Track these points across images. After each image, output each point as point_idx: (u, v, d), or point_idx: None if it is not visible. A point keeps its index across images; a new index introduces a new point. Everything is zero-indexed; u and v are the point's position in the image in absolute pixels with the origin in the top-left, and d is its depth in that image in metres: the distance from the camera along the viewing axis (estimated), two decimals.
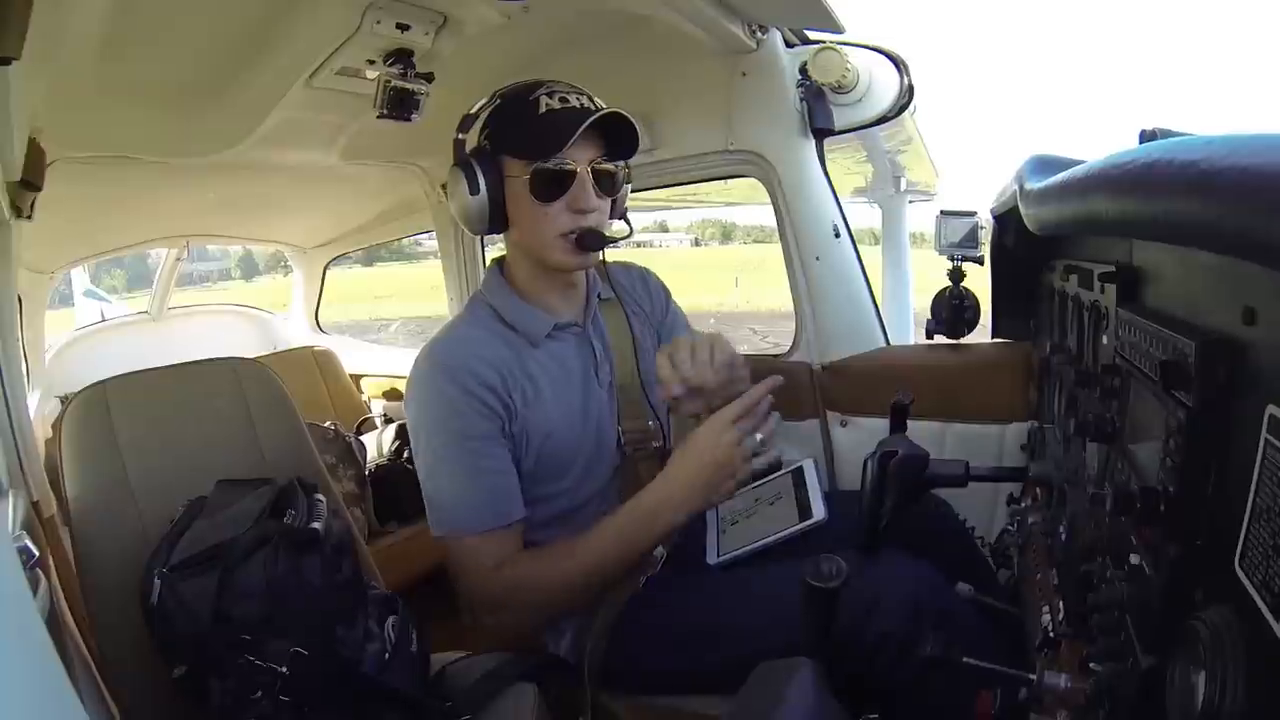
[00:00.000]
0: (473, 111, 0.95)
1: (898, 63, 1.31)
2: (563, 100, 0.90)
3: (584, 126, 0.86)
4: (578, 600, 0.95)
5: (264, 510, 0.96)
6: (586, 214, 0.92)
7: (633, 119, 0.90)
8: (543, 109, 0.89)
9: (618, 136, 0.92)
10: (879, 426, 1.28)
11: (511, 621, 0.97)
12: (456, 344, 0.97)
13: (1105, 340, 0.59)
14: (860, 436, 1.40)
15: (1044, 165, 0.59)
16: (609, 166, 0.93)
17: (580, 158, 0.90)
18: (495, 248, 2.51)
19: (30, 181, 1.14)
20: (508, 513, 0.94)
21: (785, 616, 0.73)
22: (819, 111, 1.33)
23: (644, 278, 1.16)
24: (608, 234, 0.95)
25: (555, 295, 1.01)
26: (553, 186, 0.90)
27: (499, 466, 0.94)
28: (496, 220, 0.94)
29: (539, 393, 0.95)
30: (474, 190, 0.91)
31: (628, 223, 1.02)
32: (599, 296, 1.06)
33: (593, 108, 0.91)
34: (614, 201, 0.97)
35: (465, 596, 0.98)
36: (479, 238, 2.21)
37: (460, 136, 0.95)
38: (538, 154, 0.89)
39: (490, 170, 0.91)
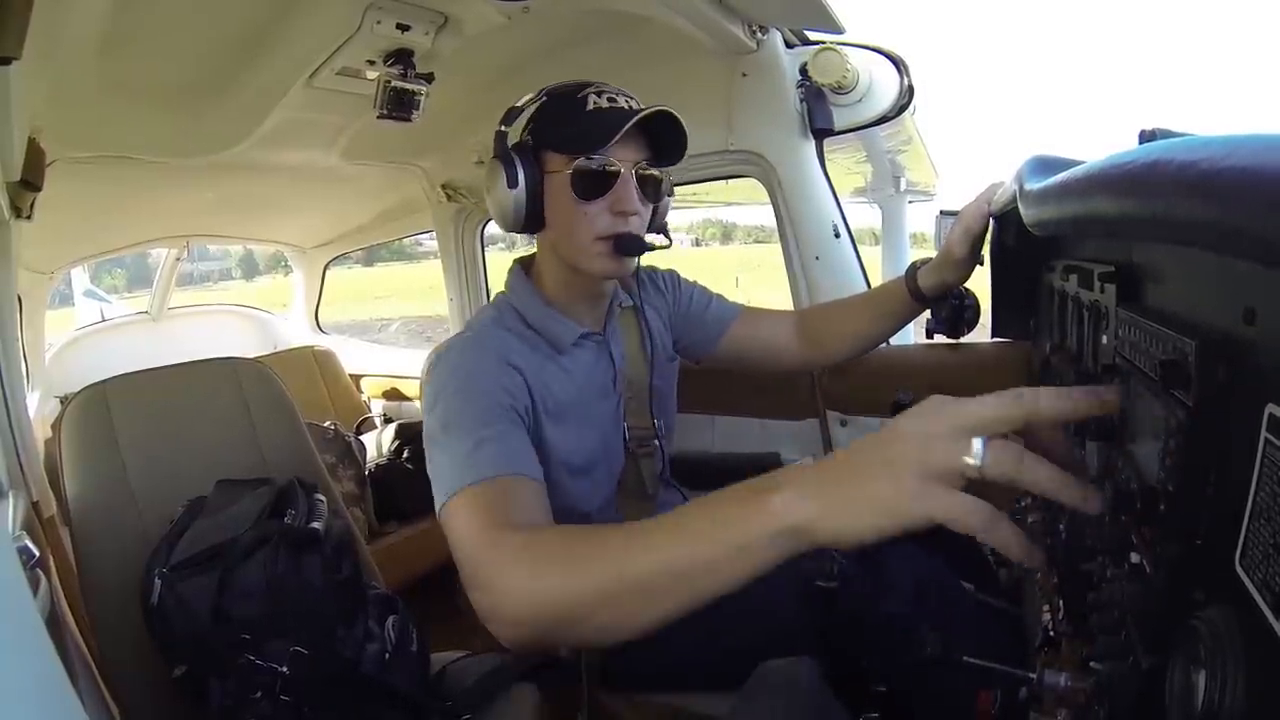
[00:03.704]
0: (518, 105, 0.92)
1: (898, 63, 1.31)
2: (610, 100, 0.88)
3: (631, 123, 0.84)
4: (599, 616, 0.58)
5: (264, 510, 0.96)
6: (628, 217, 0.89)
7: (681, 120, 0.88)
8: (590, 107, 0.87)
9: (663, 142, 0.90)
10: (879, 426, 1.28)
11: (501, 617, 0.63)
12: (482, 337, 0.93)
13: (1105, 340, 0.59)
14: (860, 436, 1.39)
15: (1044, 165, 0.59)
16: (653, 172, 0.92)
17: (625, 158, 0.88)
18: (496, 249, 2.52)
19: (30, 181, 1.14)
20: (519, 462, 0.77)
21: (785, 613, 0.73)
22: (819, 112, 1.34)
23: (650, 277, 1.15)
24: (646, 240, 0.92)
25: (584, 304, 0.98)
26: (595, 184, 0.88)
27: (514, 430, 0.82)
28: (533, 218, 0.91)
29: (557, 399, 0.94)
30: (512, 184, 0.89)
31: (667, 235, 0.99)
32: (620, 305, 1.05)
33: (640, 109, 0.89)
34: (655, 210, 0.95)
35: (461, 572, 0.68)
36: (479, 238, 2.21)
37: (503, 129, 0.92)
38: (581, 149, 0.87)
39: (531, 165, 0.89)
